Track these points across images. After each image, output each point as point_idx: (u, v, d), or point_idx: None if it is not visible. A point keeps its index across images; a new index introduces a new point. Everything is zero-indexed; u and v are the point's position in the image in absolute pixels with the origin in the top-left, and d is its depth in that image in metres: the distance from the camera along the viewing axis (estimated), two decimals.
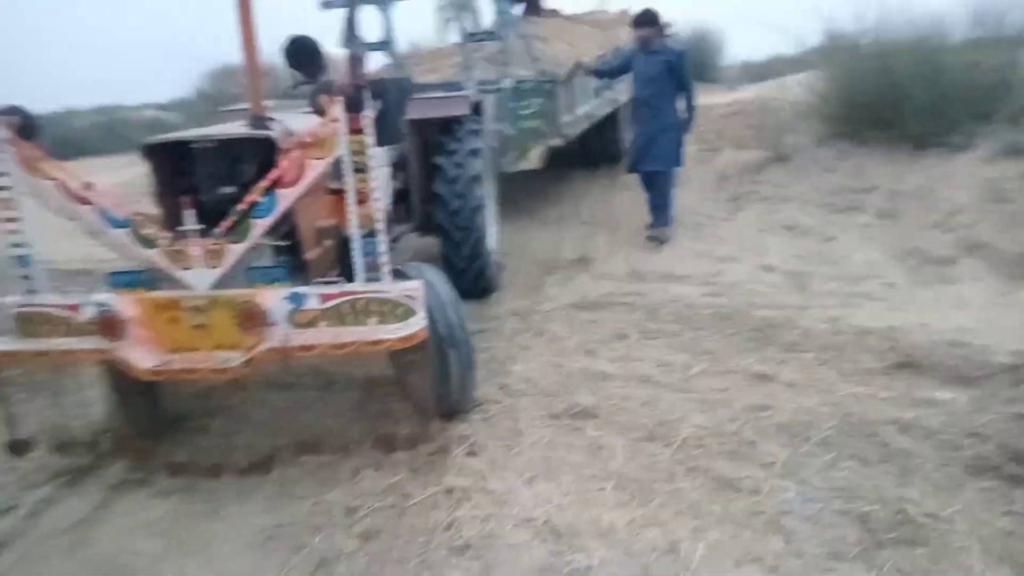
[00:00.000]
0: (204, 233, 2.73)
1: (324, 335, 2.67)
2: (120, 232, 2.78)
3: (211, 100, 12.09)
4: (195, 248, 2.73)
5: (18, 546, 2.62)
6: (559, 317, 4.71)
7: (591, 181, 8.26)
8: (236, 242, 2.74)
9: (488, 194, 5.35)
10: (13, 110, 2.71)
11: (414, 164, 4.83)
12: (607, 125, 8.23)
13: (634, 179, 7.95)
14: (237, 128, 3.15)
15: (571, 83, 6.58)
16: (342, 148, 2.62)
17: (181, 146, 3.14)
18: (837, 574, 2.26)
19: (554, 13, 9.21)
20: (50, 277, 2.98)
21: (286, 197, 2.71)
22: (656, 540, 2.45)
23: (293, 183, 2.71)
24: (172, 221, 2.90)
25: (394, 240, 4.71)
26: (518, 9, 9.02)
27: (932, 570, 2.26)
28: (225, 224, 2.73)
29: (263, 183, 2.69)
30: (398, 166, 4.80)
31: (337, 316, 2.70)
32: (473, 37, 6.44)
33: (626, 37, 8.32)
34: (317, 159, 2.67)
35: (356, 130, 2.61)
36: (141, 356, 2.69)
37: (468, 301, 4.93)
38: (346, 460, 3.00)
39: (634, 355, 4.04)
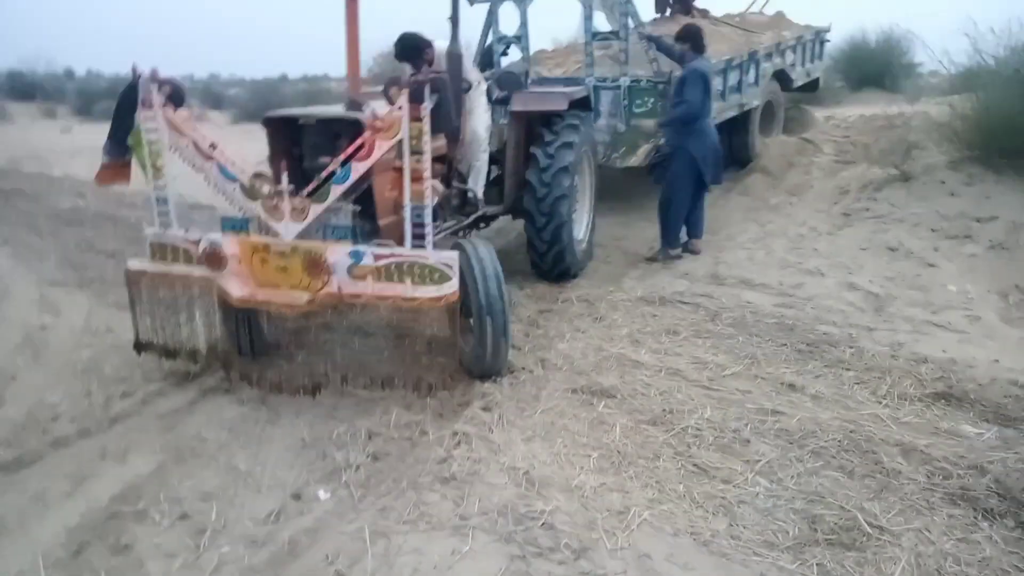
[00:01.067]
0: (296, 192, 3.32)
1: (370, 288, 3.21)
2: (232, 185, 3.38)
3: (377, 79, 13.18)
4: (286, 204, 3.31)
5: (129, 423, 3.41)
6: (624, 307, 4.99)
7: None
8: (318, 202, 3.30)
9: (583, 185, 5.72)
10: (166, 81, 3.37)
11: (512, 152, 5.24)
12: (738, 128, 8.24)
13: (748, 186, 7.97)
14: (335, 109, 3.79)
15: None
16: (404, 132, 3.12)
17: (292, 121, 3.80)
18: (761, 560, 2.47)
19: (704, 14, 9.24)
20: (181, 209, 3.76)
21: (358, 169, 3.24)
22: (613, 502, 2.77)
23: (365, 158, 3.22)
24: (279, 180, 3.50)
25: (487, 219, 5.23)
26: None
27: (853, 572, 2.41)
28: (310, 187, 3.31)
29: (341, 156, 3.25)
30: (497, 153, 5.27)
31: (386, 274, 3.22)
32: (597, 36, 6.78)
33: (769, 40, 8.24)
34: (384, 140, 3.18)
35: (416, 119, 3.07)
36: (235, 286, 3.37)
37: (545, 283, 5.38)
38: (387, 397, 3.55)
39: (675, 350, 4.27)
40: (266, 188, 3.34)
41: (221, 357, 3.69)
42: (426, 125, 3.08)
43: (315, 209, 3.30)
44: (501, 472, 2.96)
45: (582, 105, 5.56)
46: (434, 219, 4.18)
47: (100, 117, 16.50)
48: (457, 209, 4.84)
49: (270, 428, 3.33)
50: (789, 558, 2.49)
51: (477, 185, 4.96)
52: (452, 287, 3.16)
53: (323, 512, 2.71)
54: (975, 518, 2.70)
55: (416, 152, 3.12)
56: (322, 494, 2.81)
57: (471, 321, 3.64)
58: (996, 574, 2.42)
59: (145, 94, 3.33)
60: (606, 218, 6.95)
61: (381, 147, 3.19)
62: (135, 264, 3.56)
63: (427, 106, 3.07)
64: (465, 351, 3.81)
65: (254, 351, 3.98)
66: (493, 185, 5.31)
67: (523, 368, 3.94)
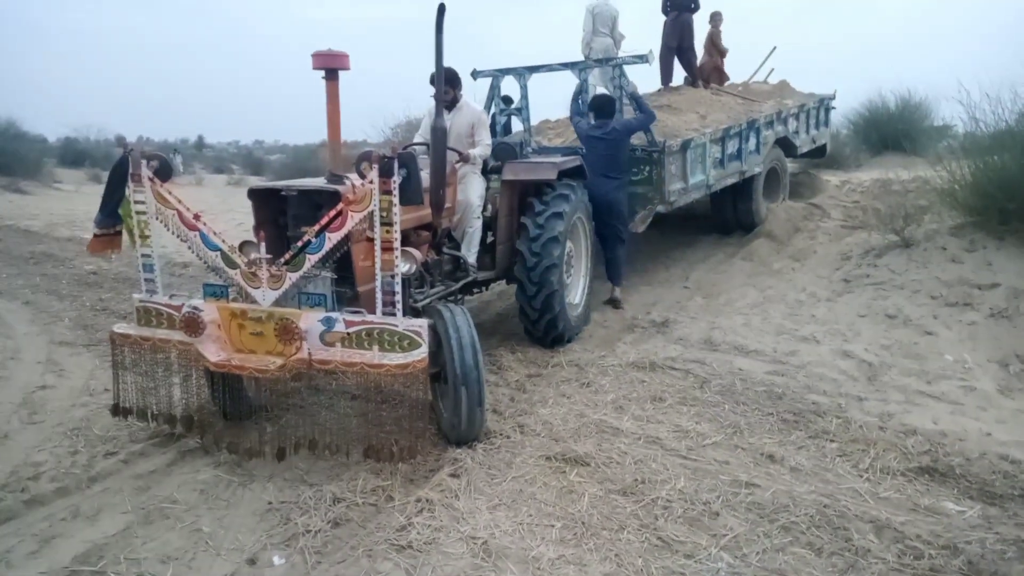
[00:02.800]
0: (273, 261, 3.45)
1: (339, 354, 3.28)
2: (214, 253, 3.54)
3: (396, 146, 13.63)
4: (263, 272, 3.45)
5: (107, 482, 3.48)
6: (613, 373, 4.99)
7: (714, 248, 8.36)
8: (294, 270, 3.44)
9: (578, 251, 5.84)
10: (154, 156, 3.55)
11: (504, 220, 5.40)
12: (741, 195, 8.35)
13: (753, 250, 7.98)
14: (315, 182, 3.94)
15: (683, 153, 6.84)
16: (374, 204, 3.26)
17: (276, 192, 3.97)
18: None
19: (718, 86, 9.47)
20: (165, 266, 3.90)
21: (332, 239, 3.37)
22: (567, 574, 2.75)
23: (339, 228, 3.37)
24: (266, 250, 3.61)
25: (480, 285, 5.34)
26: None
27: None
28: (287, 256, 3.45)
29: (315, 227, 3.38)
30: (490, 220, 5.40)
31: (356, 340, 3.32)
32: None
33: (770, 108, 8.39)
34: (356, 211, 3.32)
35: (386, 191, 3.22)
36: (212, 351, 3.46)
37: (538, 347, 5.41)
38: (359, 461, 3.58)
39: (658, 418, 4.24)
40: (246, 256, 3.49)
41: (197, 422, 3.75)
42: (395, 198, 3.21)
43: (291, 277, 3.44)
44: (460, 541, 2.95)
45: (576, 174, 5.72)
46: (420, 285, 4.40)
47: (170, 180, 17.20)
48: (448, 274, 4.90)
49: (240, 491, 3.38)
50: None
51: (469, 251, 5.07)
52: (420, 354, 3.23)
53: None
54: None
55: (386, 223, 3.26)
56: (276, 560, 2.83)
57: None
58: None
59: (134, 168, 3.50)
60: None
61: (353, 218, 3.32)
62: (120, 328, 3.69)
63: (396, 180, 3.21)
64: (443, 416, 3.86)
65: (238, 414, 4.06)
66: (488, 251, 5.44)
67: (500, 433, 3.95)
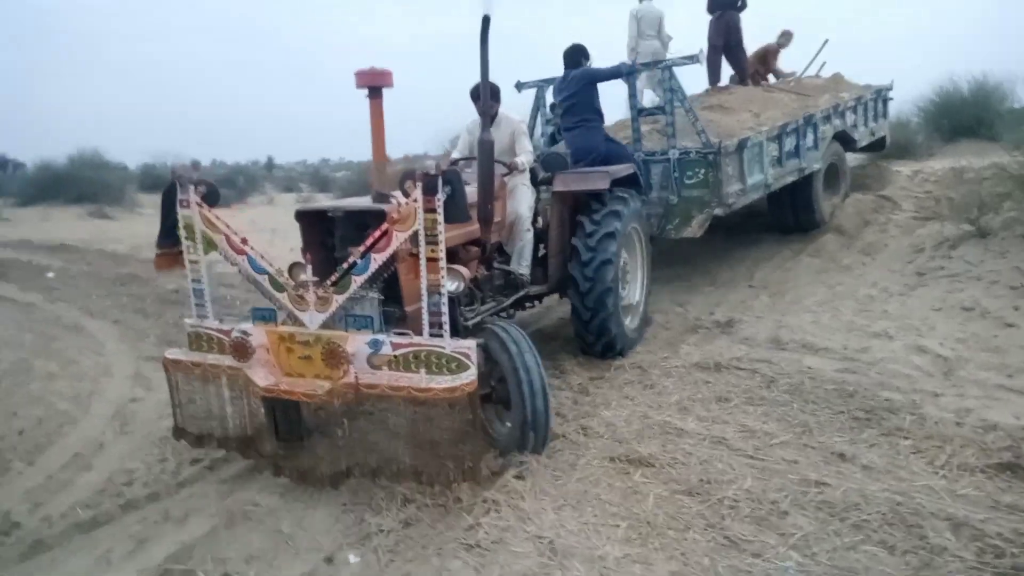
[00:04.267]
0: (319, 283, 3.41)
1: (385, 378, 3.22)
2: (262, 277, 3.51)
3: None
4: (311, 295, 3.41)
5: (194, 487, 3.71)
6: (677, 374, 4.97)
7: (780, 246, 8.19)
8: (340, 292, 3.38)
9: (634, 264, 5.74)
10: (201, 181, 3.54)
11: (556, 231, 5.25)
12: (800, 193, 8.13)
13: (821, 246, 7.79)
14: (361, 202, 3.99)
15: (740, 154, 6.70)
16: (419, 223, 3.19)
17: (324, 213, 3.97)
18: None
19: (768, 83, 9.29)
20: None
21: (377, 259, 3.30)
22: (634, 572, 2.77)
23: (384, 249, 3.29)
24: (314, 271, 3.50)
25: (532, 299, 5.27)
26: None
27: None
28: (333, 278, 3.40)
29: (361, 248, 3.33)
30: (541, 233, 5.29)
31: (403, 363, 3.25)
32: (643, 112, 6.96)
33: (826, 103, 8.17)
34: (400, 231, 3.24)
35: (430, 209, 3.14)
36: (261, 375, 3.44)
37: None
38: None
39: (724, 418, 4.21)
40: (294, 279, 3.48)
41: (252, 444, 3.74)
42: (440, 216, 3.14)
43: (337, 299, 3.39)
44: (527, 541, 3.01)
45: (629, 182, 5.62)
46: (470, 302, 4.33)
47: (225, 202, 17.99)
48: (500, 290, 4.79)
49: (316, 493, 3.53)
50: None
51: (520, 265, 4.95)
52: (469, 376, 3.12)
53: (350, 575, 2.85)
54: None
55: (431, 242, 3.18)
56: (352, 558, 2.96)
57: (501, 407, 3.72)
58: None
59: (183, 193, 3.53)
60: (670, 284, 6.96)
61: (398, 237, 3.25)
62: (172, 354, 3.71)
63: (440, 198, 3.13)
64: (502, 434, 3.82)
65: (294, 436, 3.97)
66: (540, 264, 5.30)
67: (563, 436, 4.00)
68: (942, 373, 4.66)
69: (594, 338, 5.19)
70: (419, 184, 3.12)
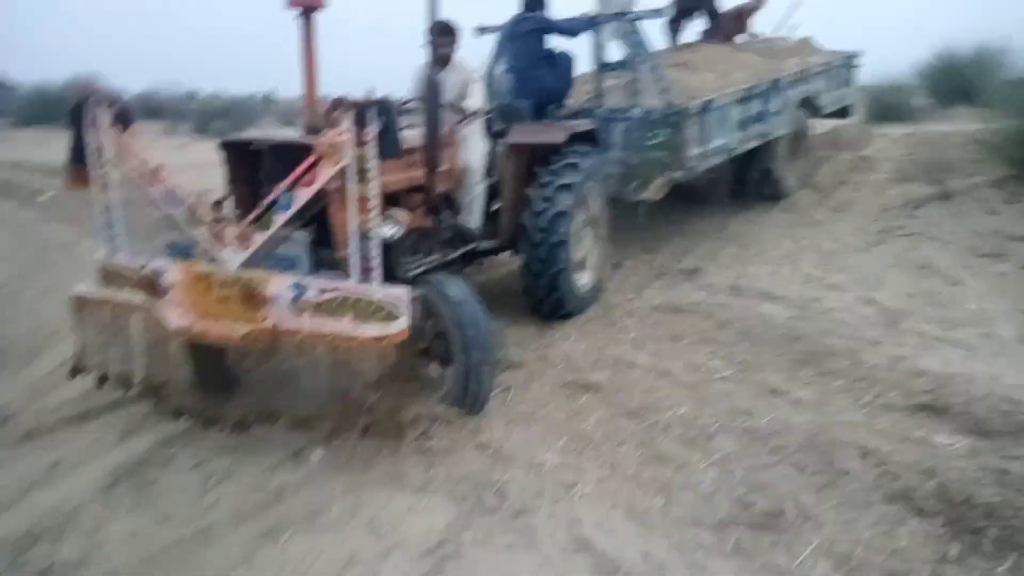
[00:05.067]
0: (240, 220, 3.20)
1: (308, 324, 3.01)
2: (178, 209, 3.25)
3: None
4: (229, 231, 3.18)
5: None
6: (638, 315, 5.25)
7: (753, 201, 8.39)
8: (261, 231, 3.14)
9: (592, 225, 5.40)
10: (113, 100, 3.26)
11: (509, 186, 4.97)
12: (759, 160, 7.98)
13: (794, 201, 8.00)
14: (287, 134, 3.96)
15: (703, 116, 6.49)
16: (348, 157, 2.94)
17: (249, 146, 3.68)
18: (682, 534, 2.73)
19: (749, 38, 9.17)
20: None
21: (302, 196, 3.06)
22: (565, 476, 3.08)
23: (309, 184, 3.03)
24: (240, 208, 3.40)
25: (483, 254, 5.05)
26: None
27: (766, 550, 2.63)
28: (253, 214, 3.17)
29: (284, 183, 3.07)
30: (494, 187, 5.05)
31: (329, 309, 3.00)
32: (607, 67, 6.65)
33: (794, 66, 8.13)
34: (328, 166, 2.99)
35: (361, 143, 2.91)
36: (174, 315, 3.20)
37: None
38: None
39: (674, 354, 4.50)
40: (210, 214, 3.24)
41: (162, 391, 3.45)
42: (371, 150, 2.91)
43: (258, 237, 3.15)
44: (474, 449, 3.32)
45: (588, 139, 5.37)
46: (413, 253, 4.09)
47: (215, 134, 17.98)
48: (447, 243, 4.55)
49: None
50: (710, 535, 2.73)
51: (470, 218, 4.77)
52: (399, 326, 2.92)
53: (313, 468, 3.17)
54: (905, 516, 2.85)
55: (362, 179, 2.94)
56: (318, 453, 3.26)
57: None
58: (904, 563, 2.58)
59: (92, 114, 3.23)
60: (642, 232, 7.19)
61: (326, 173, 3.00)
62: (79, 291, 3.48)
63: (371, 130, 2.90)
64: (443, 389, 3.62)
65: (214, 383, 3.47)
66: (493, 219, 5.06)
67: (522, 363, 4.29)
68: (885, 324, 4.94)
69: (543, 294, 4.95)
70: (349, 114, 2.89)
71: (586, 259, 5.38)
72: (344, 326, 2.95)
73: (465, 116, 4.62)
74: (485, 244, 4.88)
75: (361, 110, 2.89)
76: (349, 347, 2.90)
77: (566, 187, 4.86)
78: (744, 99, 7.08)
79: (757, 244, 6.89)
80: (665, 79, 6.26)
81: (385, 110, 2.95)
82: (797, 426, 3.55)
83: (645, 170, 6.27)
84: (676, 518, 2.83)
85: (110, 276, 3.45)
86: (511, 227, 5.00)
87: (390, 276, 3.40)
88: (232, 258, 3.18)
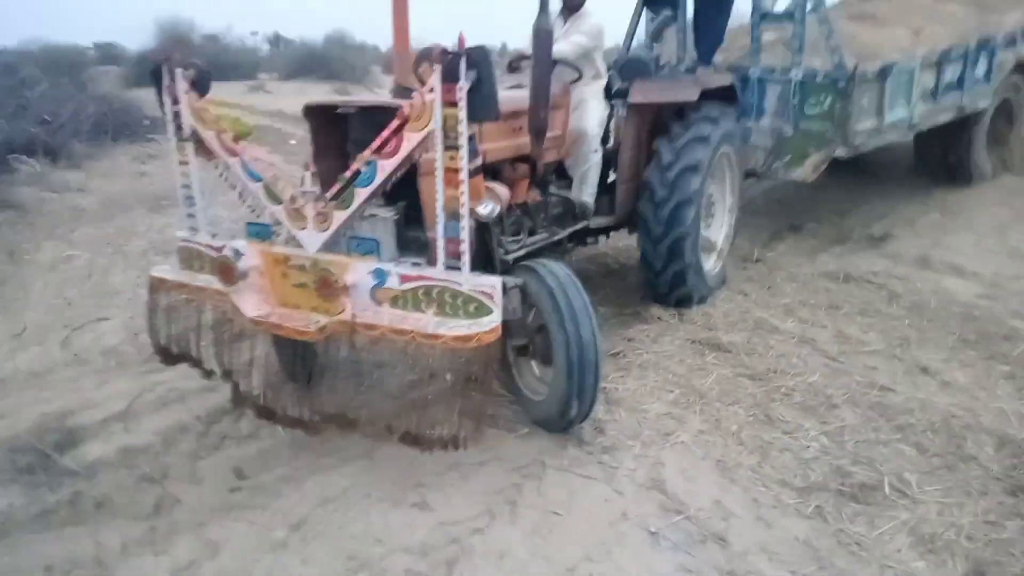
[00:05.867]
0: (320, 196, 2.75)
1: (387, 317, 2.60)
2: (256, 185, 2.87)
3: None
4: (308, 209, 2.75)
5: None
6: (802, 280, 5.08)
7: None
8: (342, 209, 2.69)
9: (721, 195, 4.89)
10: (190, 64, 2.94)
11: (629, 153, 4.36)
12: (955, 138, 6.76)
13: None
14: (376, 97, 3.58)
15: (881, 82, 5.44)
16: (435, 121, 2.46)
17: (333, 110, 3.28)
18: (765, 491, 2.78)
19: None
20: None
21: (384, 168, 2.59)
22: (666, 425, 3.23)
23: (392, 154, 2.58)
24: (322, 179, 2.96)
25: (595, 232, 4.51)
26: None
27: (846, 518, 2.61)
28: (333, 190, 2.72)
29: (365, 153, 2.64)
30: (612, 155, 4.47)
31: (413, 301, 2.60)
32: (767, 18, 5.80)
33: (1014, 22, 6.80)
34: (413, 132, 2.53)
35: (450, 103, 2.44)
36: (250, 304, 2.79)
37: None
38: None
39: (824, 323, 4.35)
40: (290, 189, 2.84)
41: (233, 380, 3.16)
42: (462, 111, 2.44)
43: (339, 216, 2.71)
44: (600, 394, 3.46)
45: (725, 97, 4.64)
46: (516, 232, 3.64)
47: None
48: (556, 219, 4.05)
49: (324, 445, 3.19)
50: (792, 496, 2.76)
51: (583, 191, 4.23)
52: (491, 323, 2.49)
53: None
54: (1022, 510, 2.66)
55: (451, 146, 2.48)
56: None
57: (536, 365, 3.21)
58: (999, 554, 2.45)
59: (168, 80, 2.95)
60: (834, 190, 6.73)
61: (411, 140, 2.54)
62: (159, 272, 3.19)
63: (463, 86, 2.41)
64: (533, 400, 3.23)
65: (299, 376, 3.36)
66: (608, 192, 4.47)
67: (657, 318, 4.41)
68: None
69: (667, 290, 4.44)
70: (436, 68, 2.41)
71: (713, 241, 4.82)
72: (425, 322, 2.54)
73: (581, 75, 4.03)
74: (598, 221, 4.35)
75: (452, 61, 2.39)
76: (432, 346, 2.50)
77: (692, 169, 4.19)
78: (938, 62, 5.91)
79: (966, 212, 6.20)
80: (836, 35, 5.32)
81: (478, 61, 2.43)
82: (935, 407, 3.36)
83: (800, 144, 5.45)
84: (763, 476, 2.88)
85: (191, 257, 3.12)
86: (628, 203, 4.42)
87: (488, 261, 3.17)
88: (311, 240, 2.78)
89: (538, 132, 3.47)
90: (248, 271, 2.88)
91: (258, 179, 2.89)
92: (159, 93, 3.01)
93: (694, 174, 4.19)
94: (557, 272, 2.97)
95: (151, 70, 3.03)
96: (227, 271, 2.88)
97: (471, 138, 2.52)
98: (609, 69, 4.49)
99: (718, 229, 4.91)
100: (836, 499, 2.74)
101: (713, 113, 4.37)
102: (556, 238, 3.95)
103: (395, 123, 2.55)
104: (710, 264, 4.75)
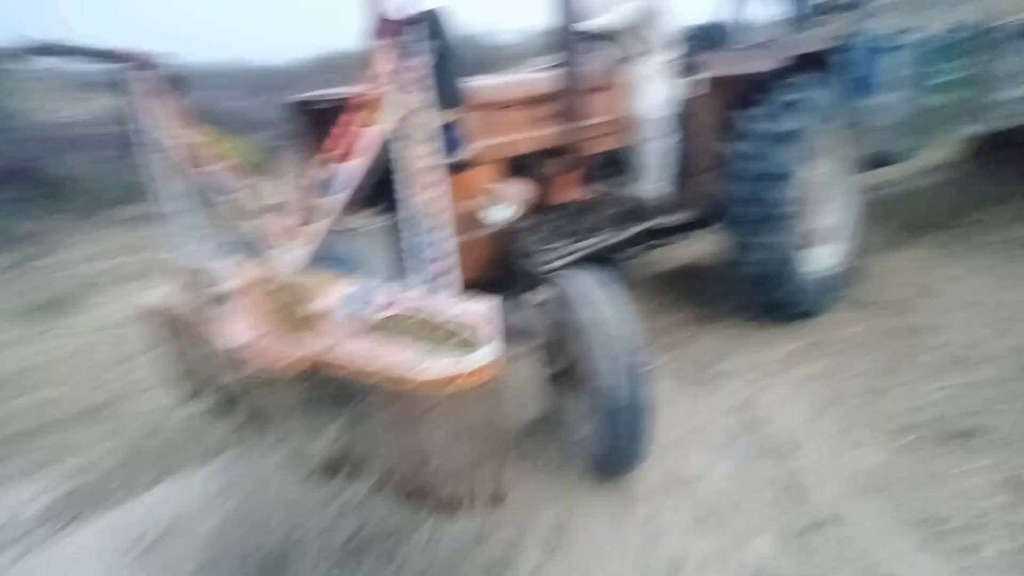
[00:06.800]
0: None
1: (357, 353, 2.12)
2: (224, 199, 2.53)
3: None
4: (276, 226, 2.39)
5: None
6: (993, 248, 4.78)
7: None
8: (308, 223, 2.29)
9: (836, 187, 4.01)
10: (167, 66, 2.56)
11: (704, 138, 3.70)
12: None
13: None
14: (355, 88, 2.42)
15: None
16: (394, 112, 1.97)
17: (311, 105, 2.88)
18: (854, 428, 2.94)
19: None
20: None
21: (343, 173, 2.16)
22: (790, 362, 3.49)
23: (350, 156, 2.13)
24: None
25: (668, 233, 3.90)
26: None
27: (932, 457, 2.73)
28: (296, 198, 2.38)
29: (320, 157, 2.23)
30: (686, 142, 3.75)
31: (393, 331, 2.13)
32: None
33: None
34: (371, 127, 2.05)
35: (408, 87, 1.96)
36: (233, 330, 2.39)
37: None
38: None
39: (1001, 288, 4.16)
40: (258, 202, 2.50)
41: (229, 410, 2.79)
42: (426, 97, 1.96)
43: (306, 232, 2.32)
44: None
45: (817, 64, 3.88)
46: (552, 238, 3.16)
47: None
48: (614, 219, 3.51)
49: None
50: (879, 435, 2.88)
51: (646, 186, 3.61)
52: (480, 359, 1.98)
53: None
54: None
55: (419, 140, 1.98)
56: None
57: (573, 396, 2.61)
58: None
59: (147, 83, 2.53)
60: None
61: (368, 137, 2.08)
62: (142, 300, 2.88)
63: (418, 64, 1.93)
64: (574, 439, 2.69)
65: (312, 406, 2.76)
66: (682, 185, 3.77)
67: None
68: None
69: (753, 291, 3.75)
70: (387, 43, 1.92)
71: (829, 229, 4.00)
72: (396, 360, 2.03)
73: (641, 49, 3.52)
74: (668, 220, 3.68)
75: (397, 27, 1.89)
76: (403, 391, 2.00)
77: (784, 137, 3.51)
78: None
79: None
80: None
81: (435, 25, 1.92)
82: None
83: (925, 121, 4.44)
84: (861, 416, 3.01)
85: (182, 278, 2.77)
86: (704, 194, 3.73)
87: (523, 273, 2.83)
88: (283, 258, 2.37)
89: (570, 119, 2.99)
90: (229, 295, 2.46)
91: (226, 193, 2.57)
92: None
93: (780, 180, 3.50)
94: (582, 282, 2.47)
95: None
96: (202, 294, 2.53)
97: (449, 127, 1.98)
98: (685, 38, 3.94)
99: (834, 217, 4.05)
100: (927, 441, 2.84)
101: (806, 90, 3.66)
102: (608, 242, 3.39)
103: (347, 118, 2.08)
104: (825, 260, 3.96)
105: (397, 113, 1.92)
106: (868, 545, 2.33)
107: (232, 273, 2.44)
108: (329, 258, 2.39)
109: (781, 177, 3.48)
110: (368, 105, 2.02)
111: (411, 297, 2.14)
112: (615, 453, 2.49)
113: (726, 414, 3.10)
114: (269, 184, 2.63)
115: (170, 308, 2.74)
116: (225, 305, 2.44)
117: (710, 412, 3.12)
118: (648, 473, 2.71)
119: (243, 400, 2.64)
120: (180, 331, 2.78)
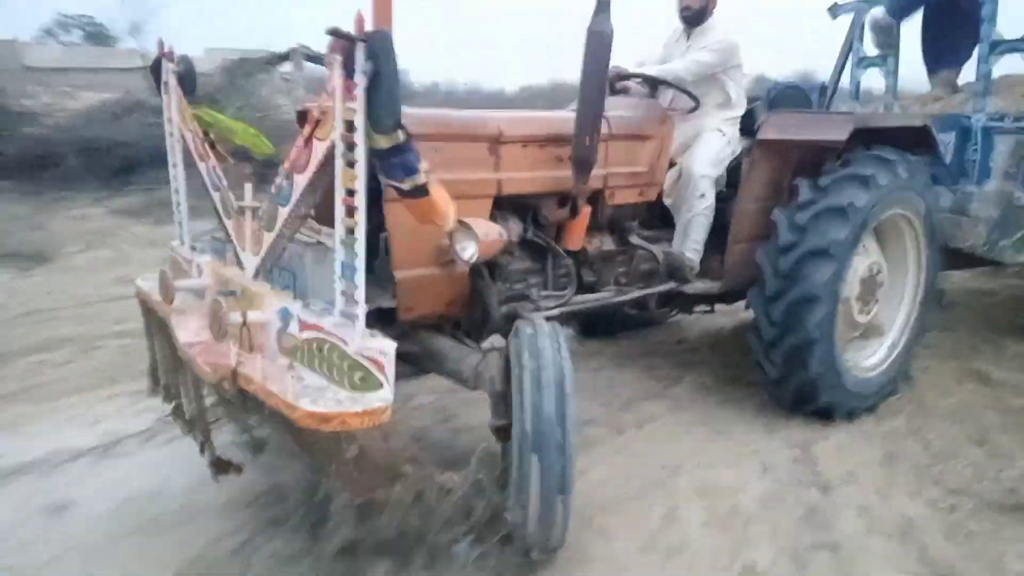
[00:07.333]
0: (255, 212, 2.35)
1: (268, 371, 2.10)
2: (216, 194, 2.52)
3: None
4: (247, 227, 2.38)
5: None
6: None
7: None
8: (268, 230, 2.25)
9: (895, 273, 3.73)
10: (181, 59, 2.64)
11: (750, 205, 3.47)
12: None
13: None
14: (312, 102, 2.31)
15: None
16: (338, 124, 1.93)
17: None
18: (913, 483, 3.04)
19: None
20: None
21: (298, 184, 2.11)
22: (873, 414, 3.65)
23: (304, 168, 2.09)
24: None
25: (695, 301, 3.82)
26: None
27: (984, 522, 2.74)
28: (262, 206, 2.30)
29: (284, 164, 2.17)
30: (722, 201, 3.52)
31: (309, 356, 2.09)
32: (998, 47, 4.26)
33: None
34: (321, 141, 2.02)
35: (352, 100, 1.89)
36: (186, 329, 2.37)
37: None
38: None
39: None
40: (239, 201, 2.45)
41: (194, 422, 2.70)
42: (359, 116, 1.89)
43: (266, 239, 2.29)
44: None
45: (922, 142, 3.61)
46: (546, 284, 3.06)
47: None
48: (643, 277, 3.42)
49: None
50: (937, 492, 2.95)
51: (686, 246, 3.44)
52: (373, 401, 1.90)
53: None
54: None
55: (349, 161, 1.94)
56: None
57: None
58: None
59: (163, 74, 2.67)
60: None
61: (318, 151, 2.05)
62: (144, 281, 2.88)
63: (360, 81, 1.86)
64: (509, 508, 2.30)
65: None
66: (717, 250, 3.52)
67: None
68: None
69: (778, 373, 3.37)
70: (337, 58, 1.90)
71: (882, 326, 3.74)
72: (294, 387, 1.99)
73: (698, 103, 3.44)
74: (697, 287, 3.47)
75: (348, 47, 1.87)
76: (292, 420, 1.91)
77: (837, 211, 3.20)
78: None
79: None
80: None
81: (377, 51, 1.84)
82: None
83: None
84: (922, 473, 3.08)
85: (179, 267, 2.80)
86: (743, 268, 3.45)
87: (485, 316, 2.70)
88: (248, 263, 2.40)
89: (581, 164, 2.87)
90: (204, 290, 2.54)
91: (217, 189, 2.55)
92: (158, 88, 2.78)
93: (822, 260, 3.19)
94: (530, 331, 2.26)
95: (151, 65, 2.81)
96: (167, 289, 2.54)
97: (401, 149, 1.95)
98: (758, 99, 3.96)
99: (889, 321, 3.79)
100: (979, 506, 2.82)
101: (872, 166, 3.30)
102: (621, 299, 3.28)
103: (307, 128, 2.07)
104: (872, 358, 3.70)
105: (336, 130, 1.91)
106: (864, 574, 2.44)
107: (203, 271, 2.57)
108: (286, 270, 2.44)
109: (826, 254, 3.18)
110: (320, 119, 2.00)
111: (329, 323, 2.05)
112: (531, 528, 2.21)
113: (781, 448, 3.28)
114: (253, 185, 2.54)
115: (150, 295, 2.75)
116: (188, 302, 2.53)
117: (765, 444, 3.32)
118: (686, 478, 3.00)
119: (183, 394, 2.72)
120: (152, 319, 2.83)
